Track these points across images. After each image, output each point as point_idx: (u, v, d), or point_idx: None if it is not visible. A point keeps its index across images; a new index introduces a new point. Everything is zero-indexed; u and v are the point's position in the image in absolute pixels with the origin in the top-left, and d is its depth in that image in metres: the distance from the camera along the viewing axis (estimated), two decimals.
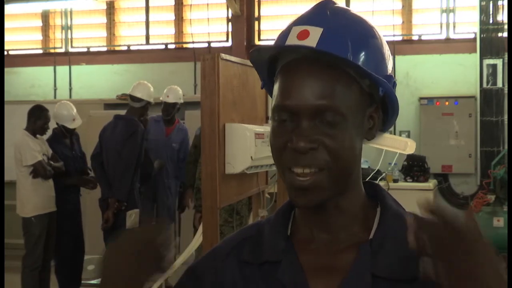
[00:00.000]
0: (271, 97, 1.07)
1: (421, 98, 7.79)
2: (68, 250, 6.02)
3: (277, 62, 1.06)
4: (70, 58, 9.05)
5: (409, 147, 1.09)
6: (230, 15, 8.45)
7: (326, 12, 1.03)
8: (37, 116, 5.77)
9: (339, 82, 1.00)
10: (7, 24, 8.82)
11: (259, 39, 8.49)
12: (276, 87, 1.04)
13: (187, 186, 6.26)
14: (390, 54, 1.08)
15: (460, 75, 7.81)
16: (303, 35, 1.01)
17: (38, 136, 5.80)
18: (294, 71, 1.01)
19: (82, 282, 6.45)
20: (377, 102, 1.06)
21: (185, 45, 8.79)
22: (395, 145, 1.10)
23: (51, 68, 9.14)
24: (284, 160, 1.02)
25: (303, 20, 1.04)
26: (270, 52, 1.07)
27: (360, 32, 1.03)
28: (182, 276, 1.18)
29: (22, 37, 9.39)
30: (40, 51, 9.37)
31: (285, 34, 1.04)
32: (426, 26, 8.08)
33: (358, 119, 1.02)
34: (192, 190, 6.20)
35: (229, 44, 8.50)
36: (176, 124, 6.50)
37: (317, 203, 1.02)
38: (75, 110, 6.09)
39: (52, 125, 6.02)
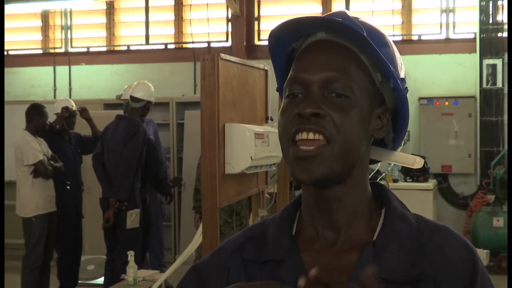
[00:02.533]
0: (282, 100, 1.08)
1: (421, 98, 7.79)
2: (67, 249, 6.04)
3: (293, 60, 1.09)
4: (70, 58, 9.05)
5: (417, 163, 1.13)
6: (230, 15, 8.45)
7: (344, 12, 1.09)
8: (38, 113, 5.76)
9: (352, 63, 1.03)
10: (7, 24, 8.82)
11: (259, 39, 8.49)
12: (290, 70, 1.07)
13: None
14: (402, 63, 1.10)
15: (460, 75, 7.81)
16: None
17: (37, 136, 5.79)
18: (309, 50, 1.05)
19: (82, 282, 6.46)
20: (387, 106, 1.07)
21: (185, 45, 8.79)
22: (404, 161, 1.14)
23: (50, 68, 9.14)
24: (289, 129, 1.01)
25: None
26: (288, 32, 1.07)
27: (375, 39, 1.05)
28: (185, 276, 1.17)
29: (22, 37, 9.39)
30: (40, 51, 9.37)
31: None
32: (426, 26, 8.09)
33: (366, 106, 1.03)
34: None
35: (228, 44, 8.50)
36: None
37: (319, 179, 1.01)
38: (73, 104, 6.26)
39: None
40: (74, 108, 6.19)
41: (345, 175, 1.03)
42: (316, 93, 1.00)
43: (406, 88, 1.08)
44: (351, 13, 1.09)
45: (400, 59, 1.10)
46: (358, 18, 1.08)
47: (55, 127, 6.08)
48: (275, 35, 1.08)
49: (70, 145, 6.19)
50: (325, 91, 1.00)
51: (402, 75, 1.08)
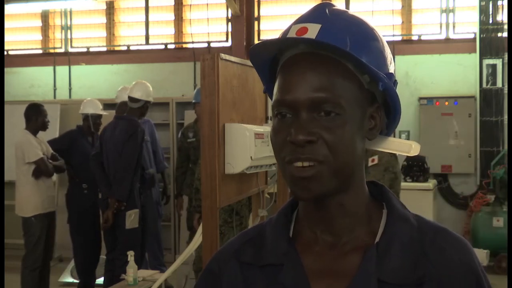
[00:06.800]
0: (272, 100, 1.06)
1: (420, 98, 7.79)
2: (86, 249, 6.02)
3: (278, 64, 1.06)
4: (69, 58, 9.05)
5: (414, 149, 1.10)
6: (229, 15, 8.44)
7: (325, 11, 1.03)
8: (37, 113, 5.76)
9: (337, 75, 0.99)
10: (7, 24, 8.82)
11: (259, 39, 8.49)
12: (276, 84, 1.04)
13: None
14: (392, 57, 1.08)
15: (460, 75, 7.81)
16: (302, 31, 1.01)
17: (38, 136, 5.80)
18: (293, 67, 1.01)
19: None
20: (379, 102, 1.05)
21: (184, 45, 8.79)
22: (400, 148, 1.11)
23: (50, 68, 9.14)
24: (285, 155, 1.00)
25: (301, 19, 1.04)
26: (268, 48, 1.06)
27: (360, 35, 1.02)
28: (200, 279, 1.17)
29: (21, 37, 9.39)
30: (40, 51, 9.37)
31: (284, 33, 1.04)
32: (425, 26, 8.09)
33: (358, 115, 1.01)
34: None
35: (228, 44, 8.49)
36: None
37: (319, 196, 1.00)
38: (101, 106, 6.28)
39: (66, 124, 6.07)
40: (101, 110, 6.19)
41: (344, 186, 1.03)
42: (305, 117, 0.98)
43: (396, 81, 1.06)
44: (333, 9, 1.04)
45: (390, 53, 1.07)
46: (343, 13, 1.04)
47: (82, 129, 6.12)
48: (255, 51, 1.06)
49: (92, 148, 6.19)
50: (313, 113, 0.98)
51: (391, 69, 1.05)
